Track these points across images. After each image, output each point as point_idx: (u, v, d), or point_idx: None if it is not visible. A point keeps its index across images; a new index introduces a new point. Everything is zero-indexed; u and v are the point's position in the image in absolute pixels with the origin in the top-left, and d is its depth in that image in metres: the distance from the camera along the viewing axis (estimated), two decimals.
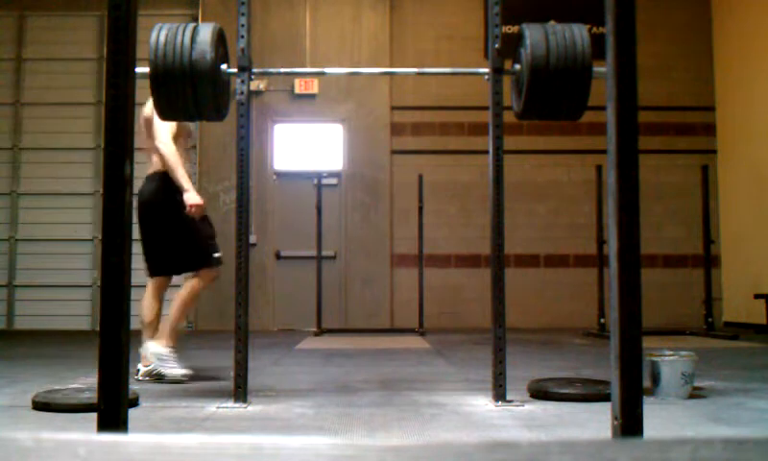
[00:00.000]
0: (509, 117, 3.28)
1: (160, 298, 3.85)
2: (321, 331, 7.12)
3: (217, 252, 3.88)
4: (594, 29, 7.36)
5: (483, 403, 3.06)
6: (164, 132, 3.75)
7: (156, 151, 3.78)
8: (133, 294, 1.37)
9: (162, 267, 3.84)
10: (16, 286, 8.36)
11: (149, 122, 3.79)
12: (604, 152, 1.36)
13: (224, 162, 8.11)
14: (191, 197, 3.72)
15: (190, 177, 3.87)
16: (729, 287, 8.24)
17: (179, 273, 3.93)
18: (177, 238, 3.81)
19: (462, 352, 5.47)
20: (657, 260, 8.22)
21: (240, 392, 3.04)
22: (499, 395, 3.04)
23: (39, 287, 8.30)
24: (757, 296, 7.17)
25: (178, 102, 3.06)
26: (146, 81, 2.96)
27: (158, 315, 3.83)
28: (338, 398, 3.29)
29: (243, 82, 3.19)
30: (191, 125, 4.01)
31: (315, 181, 7.46)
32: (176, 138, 3.81)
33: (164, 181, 3.78)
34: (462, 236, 8.23)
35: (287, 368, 4.56)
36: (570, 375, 3.83)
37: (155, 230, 3.81)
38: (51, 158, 8.44)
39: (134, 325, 1.39)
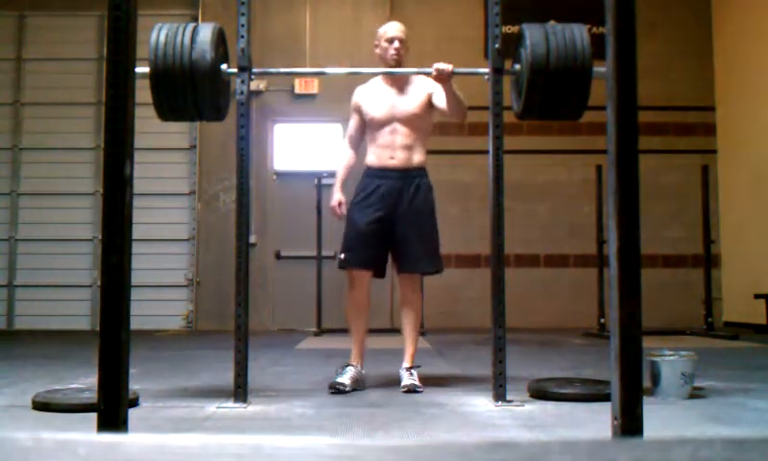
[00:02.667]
0: (509, 117, 3.28)
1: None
2: (321, 331, 7.11)
3: (344, 252, 3.55)
4: (594, 29, 7.34)
5: (483, 403, 3.06)
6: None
7: None
8: (133, 294, 1.36)
9: None
10: (16, 286, 8.35)
11: None
12: (604, 152, 1.36)
13: (224, 162, 8.10)
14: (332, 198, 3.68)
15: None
16: (729, 287, 8.23)
17: None
18: None
19: (462, 352, 5.47)
20: (657, 260, 8.21)
21: (240, 392, 3.04)
22: (499, 395, 3.04)
23: (39, 287, 8.30)
24: (757, 296, 7.17)
25: (178, 102, 3.06)
26: (146, 80, 2.97)
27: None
28: (338, 398, 3.29)
29: (243, 82, 3.19)
30: (371, 106, 3.61)
31: (315, 181, 7.46)
32: (356, 133, 3.69)
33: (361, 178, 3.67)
34: (462, 236, 8.23)
35: (287, 368, 4.56)
36: (570, 375, 3.83)
37: None
38: (51, 158, 8.43)
39: (134, 325, 1.39)
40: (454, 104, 3.47)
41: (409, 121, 3.56)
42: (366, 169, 3.65)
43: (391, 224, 3.54)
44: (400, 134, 3.55)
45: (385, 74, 3.63)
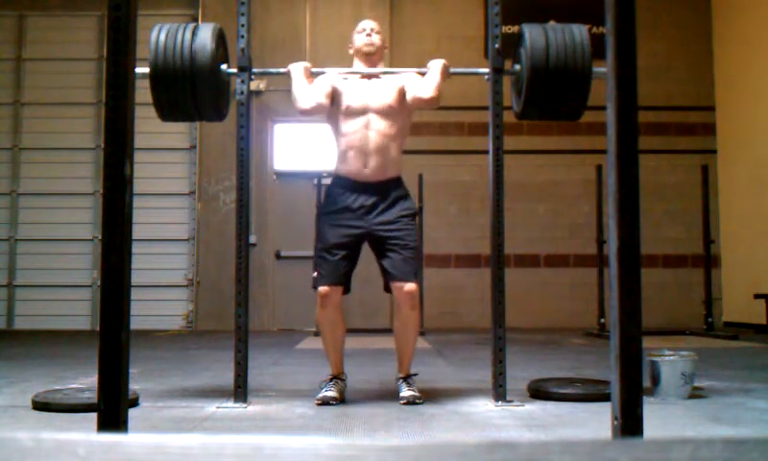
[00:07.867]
0: (509, 117, 3.28)
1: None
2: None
3: (316, 270, 3.19)
4: (594, 29, 7.35)
5: (483, 403, 3.06)
6: None
7: None
8: (133, 294, 1.37)
9: None
10: (16, 286, 8.36)
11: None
12: (604, 152, 1.36)
13: (224, 162, 8.11)
14: None
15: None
16: (729, 287, 8.23)
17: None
18: None
19: (462, 352, 5.47)
20: (657, 260, 8.22)
21: (240, 392, 3.04)
22: (499, 395, 3.04)
23: (39, 287, 8.30)
24: (757, 296, 7.17)
25: (178, 102, 3.06)
26: (146, 80, 2.97)
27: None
28: None
29: (243, 82, 3.19)
30: (347, 93, 3.26)
31: (315, 181, 7.46)
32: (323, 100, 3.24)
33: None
34: (462, 236, 8.23)
35: (287, 368, 4.56)
36: (570, 375, 3.83)
37: None
38: (51, 158, 8.44)
39: (134, 325, 1.39)
40: (431, 82, 3.22)
41: (385, 114, 3.20)
42: (335, 177, 3.26)
43: (365, 237, 3.21)
44: (374, 131, 3.18)
45: (363, 65, 3.34)
